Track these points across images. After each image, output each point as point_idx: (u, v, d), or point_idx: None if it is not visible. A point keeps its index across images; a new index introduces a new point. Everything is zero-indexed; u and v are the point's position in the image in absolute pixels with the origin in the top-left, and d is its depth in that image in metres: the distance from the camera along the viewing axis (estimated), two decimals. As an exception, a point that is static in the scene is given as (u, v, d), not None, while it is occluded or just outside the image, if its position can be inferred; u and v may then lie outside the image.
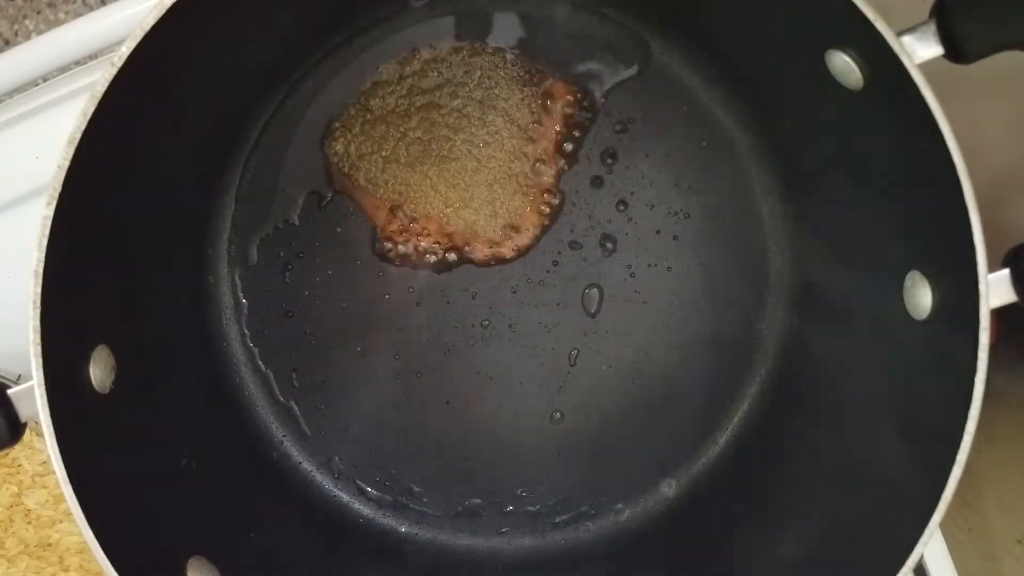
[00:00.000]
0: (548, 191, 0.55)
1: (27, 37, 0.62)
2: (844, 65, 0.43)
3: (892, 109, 0.41)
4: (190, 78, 0.43)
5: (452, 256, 0.55)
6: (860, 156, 0.46)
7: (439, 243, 0.55)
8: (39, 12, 0.62)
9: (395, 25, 0.54)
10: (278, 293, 0.56)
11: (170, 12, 0.37)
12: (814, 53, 0.44)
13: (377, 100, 0.55)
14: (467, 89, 0.55)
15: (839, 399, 0.50)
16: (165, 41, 0.39)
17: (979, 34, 0.40)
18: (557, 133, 0.55)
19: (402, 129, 0.55)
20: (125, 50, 0.37)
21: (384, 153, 0.55)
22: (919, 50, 0.40)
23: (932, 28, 0.40)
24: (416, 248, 0.55)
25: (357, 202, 0.55)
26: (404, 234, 0.55)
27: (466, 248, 0.55)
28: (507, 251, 0.55)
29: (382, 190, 0.54)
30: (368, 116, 0.55)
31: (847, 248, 0.50)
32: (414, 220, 0.55)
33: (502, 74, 0.54)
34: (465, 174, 0.55)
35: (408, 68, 0.54)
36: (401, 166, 0.55)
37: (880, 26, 0.39)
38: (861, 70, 0.42)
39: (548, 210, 0.55)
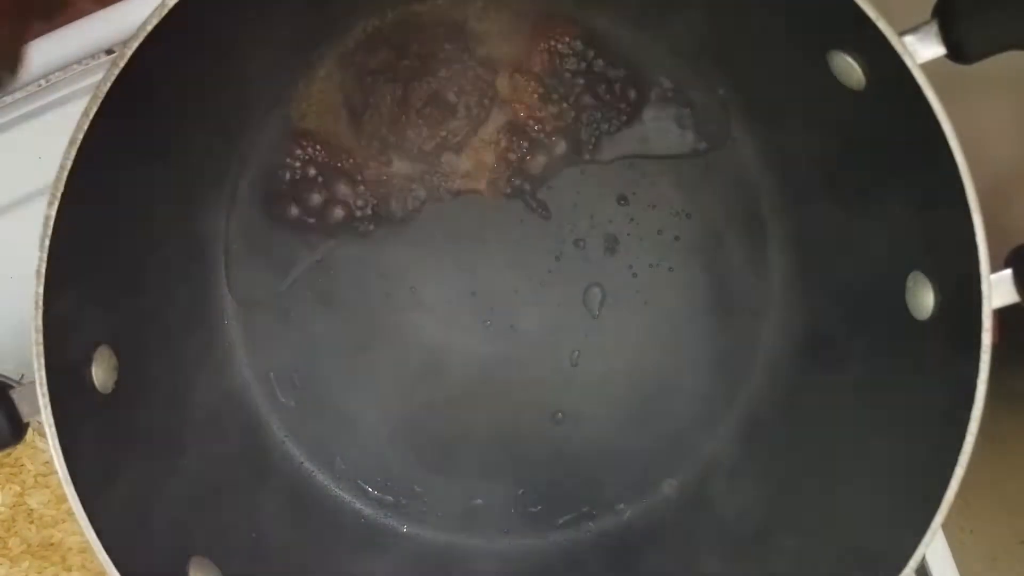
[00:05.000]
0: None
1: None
2: (846, 65, 0.43)
3: (894, 109, 0.41)
4: (193, 77, 0.43)
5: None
6: (862, 156, 0.46)
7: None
8: (41, 12, 0.62)
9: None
10: (279, 293, 0.56)
11: (172, 12, 0.37)
12: (816, 54, 0.44)
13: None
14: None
15: (840, 399, 0.50)
16: (168, 41, 0.39)
17: (981, 34, 0.40)
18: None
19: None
20: (128, 50, 0.37)
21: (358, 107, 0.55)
22: (921, 50, 0.40)
23: (934, 28, 0.40)
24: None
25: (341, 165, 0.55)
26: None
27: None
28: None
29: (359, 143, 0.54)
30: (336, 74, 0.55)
31: (849, 249, 0.50)
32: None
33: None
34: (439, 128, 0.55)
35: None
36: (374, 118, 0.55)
37: (882, 26, 0.39)
38: (863, 70, 0.42)
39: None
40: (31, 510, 0.59)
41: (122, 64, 0.38)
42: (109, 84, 0.38)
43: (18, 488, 0.59)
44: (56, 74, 0.61)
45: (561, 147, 0.56)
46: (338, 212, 0.55)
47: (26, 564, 0.58)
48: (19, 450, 0.59)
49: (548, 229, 0.56)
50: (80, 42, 0.60)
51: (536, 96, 0.55)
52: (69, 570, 0.59)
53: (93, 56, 0.59)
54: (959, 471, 0.39)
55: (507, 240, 0.56)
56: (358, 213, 0.56)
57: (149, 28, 0.37)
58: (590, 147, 0.56)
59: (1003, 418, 0.63)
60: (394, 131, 0.55)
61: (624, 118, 0.55)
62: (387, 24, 0.54)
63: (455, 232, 0.56)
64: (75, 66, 0.61)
